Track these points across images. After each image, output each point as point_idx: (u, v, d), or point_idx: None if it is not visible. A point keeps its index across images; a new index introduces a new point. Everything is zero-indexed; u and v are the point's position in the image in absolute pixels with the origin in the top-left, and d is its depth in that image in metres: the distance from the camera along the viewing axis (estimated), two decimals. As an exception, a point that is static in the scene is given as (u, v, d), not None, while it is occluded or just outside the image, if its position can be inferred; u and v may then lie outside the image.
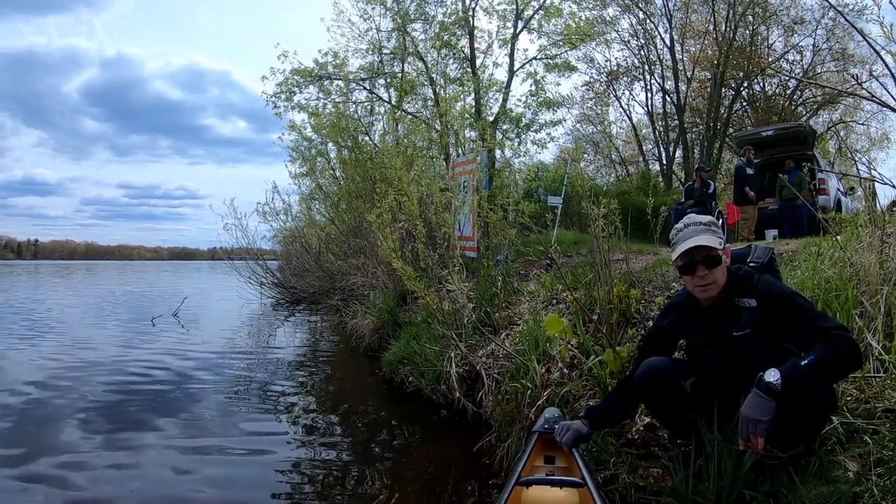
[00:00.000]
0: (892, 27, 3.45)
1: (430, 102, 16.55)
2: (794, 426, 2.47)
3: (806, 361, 2.32)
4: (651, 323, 4.33)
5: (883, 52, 3.53)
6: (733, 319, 2.68)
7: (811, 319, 2.49)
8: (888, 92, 3.86)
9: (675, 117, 25.22)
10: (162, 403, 6.16)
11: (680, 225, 2.80)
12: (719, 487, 2.57)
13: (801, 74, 22.89)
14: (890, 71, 3.64)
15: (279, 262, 21.72)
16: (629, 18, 25.11)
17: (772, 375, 2.32)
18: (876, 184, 4.59)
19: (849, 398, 2.90)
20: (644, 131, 28.46)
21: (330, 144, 16.17)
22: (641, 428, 3.39)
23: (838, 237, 4.37)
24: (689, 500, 2.65)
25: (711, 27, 23.86)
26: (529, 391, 4.24)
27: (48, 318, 14.28)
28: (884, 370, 3.03)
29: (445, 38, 15.90)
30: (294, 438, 5.10)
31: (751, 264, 2.88)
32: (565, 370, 4.32)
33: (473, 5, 16.10)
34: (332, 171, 17.35)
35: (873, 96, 4.57)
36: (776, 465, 2.52)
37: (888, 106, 3.99)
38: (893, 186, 4.26)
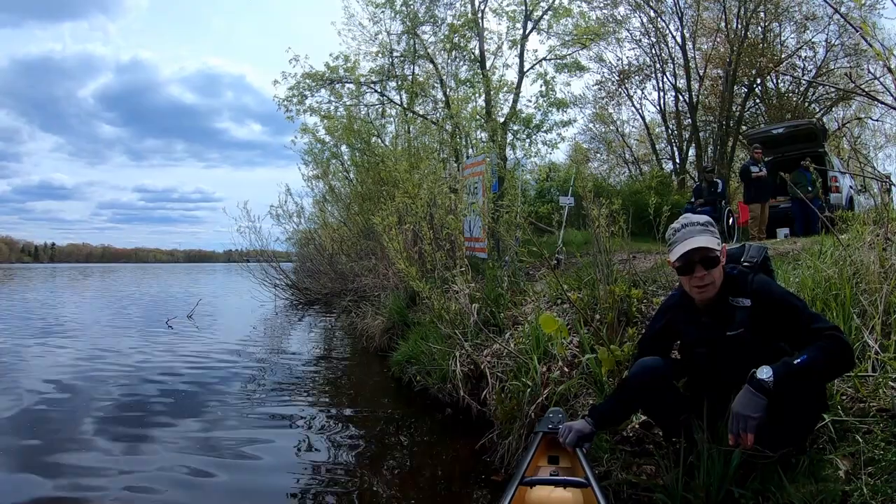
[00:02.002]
0: (874, 26, 3.45)
1: (440, 104, 16.58)
2: (784, 426, 2.49)
3: (798, 361, 2.34)
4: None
5: (878, 48, 3.53)
6: (727, 319, 2.70)
7: (805, 320, 2.51)
8: (889, 92, 3.86)
9: (688, 115, 25.02)
10: (175, 402, 6.26)
11: (677, 225, 2.81)
12: (708, 485, 2.60)
13: (813, 71, 22.68)
14: (889, 69, 3.64)
15: (293, 263, 21.82)
16: (640, 17, 24.98)
17: (764, 373, 2.36)
18: (891, 183, 4.59)
19: (843, 397, 2.90)
20: (657, 130, 28.29)
21: (343, 147, 16.25)
22: (636, 425, 3.42)
23: (842, 236, 4.37)
24: (680, 497, 2.68)
25: (723, 24, 23.69)
26: (530, 390, 4.28)
27: (65, 320, 14.45)
28: (880, 369, 3.03)
29: (455, 40, 15.94)
30: (304, 434, 5.18)
31: (745, 264, 2.87)
32: (565, 369, 4.36)
33: (483, 7, 16.15)
34: (344, 174, 17.42)
35: (870, 94, 4.57)
36: (766, 463, 2.54)
37: (888, 105, 3.99)
38: (894, 185, 4.27)
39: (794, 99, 24.27)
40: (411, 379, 6.46)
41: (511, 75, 16.46)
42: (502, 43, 16.49)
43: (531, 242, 6.65)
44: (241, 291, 20.75)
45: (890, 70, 3.63)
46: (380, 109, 17.28)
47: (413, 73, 17.06)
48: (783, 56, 23.45)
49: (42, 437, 5.01)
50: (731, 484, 2.57)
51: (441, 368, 5.81)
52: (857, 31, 3.93)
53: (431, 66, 16.63)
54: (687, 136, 25.64)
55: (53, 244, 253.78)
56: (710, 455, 2.63)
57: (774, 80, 24.69)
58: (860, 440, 2.57)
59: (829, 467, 2.49)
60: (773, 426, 2.40)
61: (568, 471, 2.85)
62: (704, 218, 2.80)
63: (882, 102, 4.44)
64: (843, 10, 15.50)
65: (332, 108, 16.54)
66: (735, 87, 23.95)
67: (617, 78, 26.93)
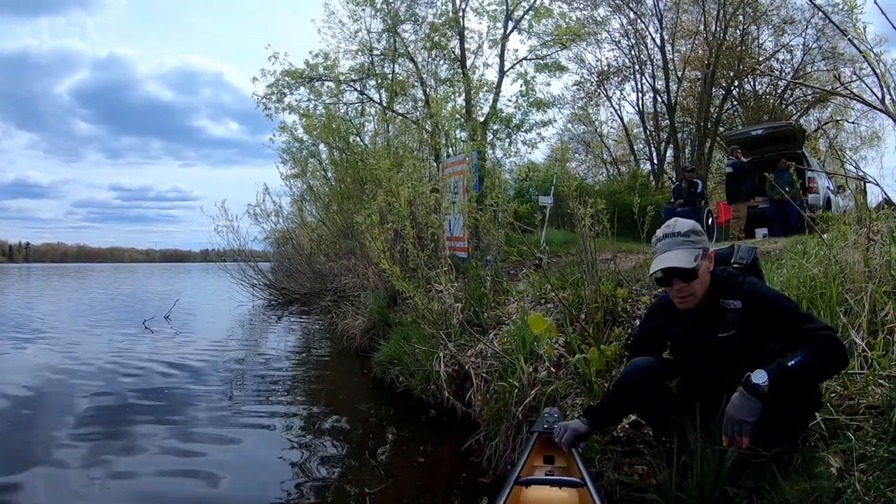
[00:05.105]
0: (865, 29, 3.47)
1: (420, 103, 16.54)
2: (778, 425, 2.49)
3: (792, 362, 2.33)
4: (638, 322, 4.35)
5: (862, 49, 3.55)
6: (719, 321, 2.68)
7: (797, 321, 2.50)
8: (873, 92, 3.88)
9: (666, 117, 25.26)
10: (154, 405, 6.14)
11: (660, 234, 2.78)
12: (702, 484, 2.59)
13: (791, 73, 22.96)
14: (874, 70, 3.66)
15: (271, 263, 21.68)
16: (620, 18, 25.20)
17: (759, 377, 2.34)
18: (866, 182, 4.63)
19: (832, 395, 2.91)
20: (635, 131, 28.51)
21: (321, 145, 16.14)
22: (627, 425, 3.40)
23: (824, 235, 4.40)
24: (673, 496, 2.67)
25: (702, 27, 23.93)
26: (517, 390, 4.26)
27: (40, 322, 14.19)
28: (867, 367, 3.04)
29: (436, 38, 15.89)
30: (284, 439, 5.10)
31: (734, 265, 2.86)
32: (552, 369, 4.34)
33: (464, 6, 16.11)
34: (323, 173, 17.31)
35: (854, 95, 4.61)
36: (759, 461, 2.53)
37: (871, 105, 4.01)
38: (878, 185, 4.30)
39: (772, 101, 24.57)
40: (394, 380, 6.41)
41: (491, 75, 16.46)
42: (483, 42, 16.48)
43: (520, 241, 6.62)
44: (218, 291, 20.57)
45: (875, 71, 3.65)
46: (359, 108, 17.22)
47: (393, 71, 16.99)
48: (761, 59, 23.72)
49: (13, 442, 4.91)
50: (725, 483, 2.56)
51: (424, 369, 5.77)
52: (847, 36, 3.94)
53: (412, 64, 16.57)
54: (665, 136, 25.86)
55: (28, 243, 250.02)
56: (703, 454, 2.62)
57: (752, 83, 24.99)
58: (851, 437, 2.57)
59: (821, 464, 2.49)
60: (766, 425, 2.39)
61: (563, 470, 2.83)
62: (689, 225, 2.74)
63: (865, 103, 4.48)
64: (821, 14, 15.70)
65: (312, 106, 16.44)
66: (713, 89, 24.21)
67: (596, 79, 27.13)
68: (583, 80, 27.29)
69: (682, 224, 2.76)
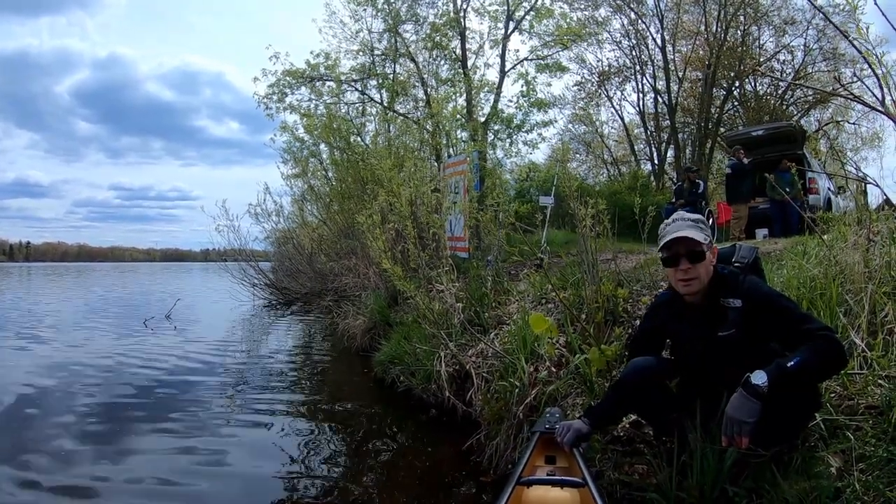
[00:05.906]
0: (868, 29, 3.47)
1: (421, 103, 16.56)
2: (777, 425, 2.49)
3: (792, 363, 2.33)
4: (638, 322, 4.35)
5: (863, 50, 3.55)
6: (719, 319, 2.69)
7: (796, 321, 2.50)
8: (873, 93, 3.89)
9: (667, 117, 25.26)
10: (154, 405, 6.16)
11: (669, 220, 2.82)
12: (702, 484, 2.60)
13: (792, 74, 22.97)
14: (874, 72, 3.66)
15: (272, 263, 21.66)
16: (621, 19, 25.22)
17: (758, 377, 2.34)
18: (866, 183, 4.64)
19: (832, 395, 2.91)
20: (636, 131, 28.51)
21: (322, 145, 16.14)
22: (627, 425, 3.41)
23: (825, 236, 4.41)
24: (674, 495, 2.68)
25: (703, 27, 23.92)
26: (518, 390, 4.26)
27: (40, 321, 14.20)
28: (867, 367, 3.05)
29: (437, 39, 15.91)
30: (285, 438, 5.12)
31: (735, 264, 2.87)
32: (553, 369, 4.34)
33: (465, 6, 16.14)
34: (324, 172, 17.31)
35: (855, 96, 4.61)
36: (759, 461, 2.54)
37: (871, 106, 4.02)
38: (878, 186, 4.31)
39: (772, 101, 24.56)
40: (394, 379, 6.41)
41: (492, 75, 16.50)
42: (484, 42, 16.53)
43: (521, 241, 6.62)
44: (219, 291, 20.56)
45: (875, 72, 3.66)
46: (360, 108, 17.23)
47: (394, 71, 17.00)
48: (762, 60, 23.72)
49: (13, 442, 4.91)
50: (725, 482, 2.57)
51: (425, 368, 5.78)
52: (848, 38, 3.95)
53: (412, 64, 16.60)
54: (665, 137, 25.85)
55: (29, 243, 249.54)
56: (703, 454, 2.63)
57: (753, 83, 24.98)
58: (851, 437, 2.57)
59: (821, 464, 2.48)
60: (766, 426, 2.39)
61: (565, 470, 2.83)
62: (696, 216, 2.80)
63: (865, 104, 4.48)
64: (822, 15, 15.69)
65: (313, 106, 16.46)
66: (714, 90, 24.19)
67: (597, 79, 27.13)
68: (584, 80, 27.36)
69: (691, 214, 2.83)
